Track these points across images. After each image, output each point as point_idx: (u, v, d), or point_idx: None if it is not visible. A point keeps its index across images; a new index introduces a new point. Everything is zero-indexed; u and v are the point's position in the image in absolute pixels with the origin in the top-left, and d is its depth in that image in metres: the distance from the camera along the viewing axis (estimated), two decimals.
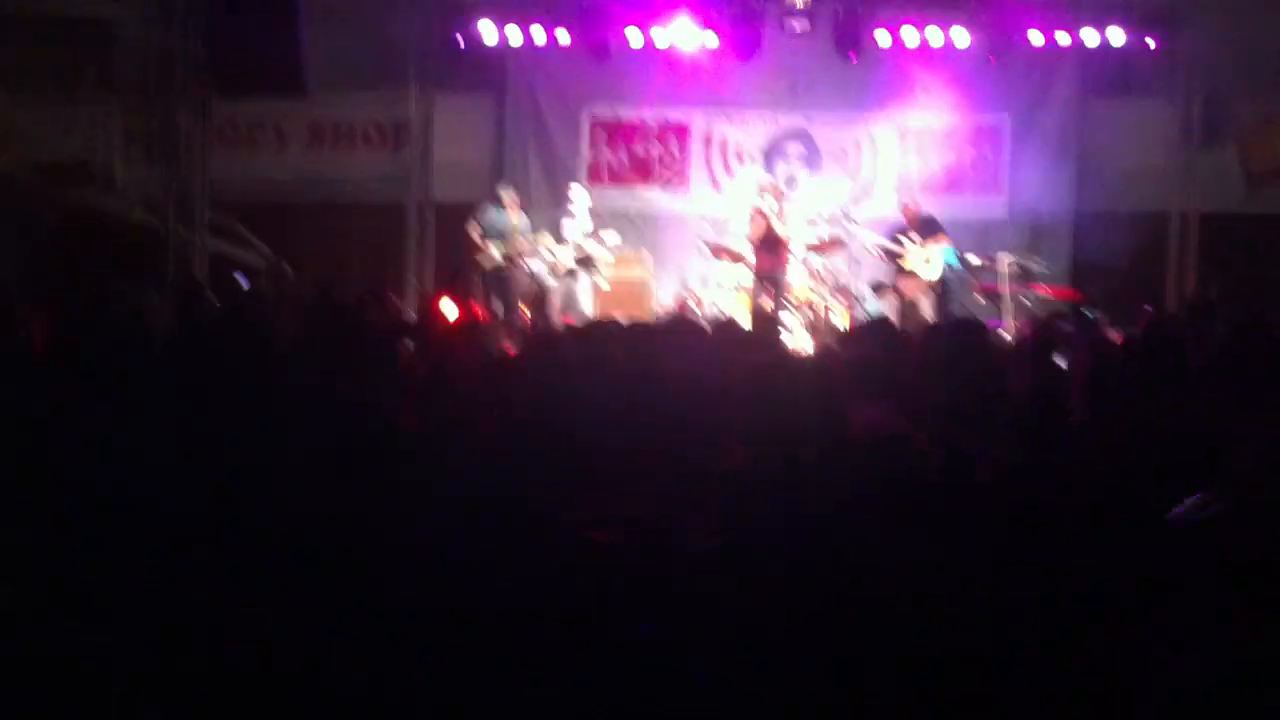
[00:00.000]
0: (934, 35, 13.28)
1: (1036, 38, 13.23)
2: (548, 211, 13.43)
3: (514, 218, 12.88)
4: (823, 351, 8.98)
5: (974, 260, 12.63)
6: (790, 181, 13.71)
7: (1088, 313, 11.42)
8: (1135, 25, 13.11)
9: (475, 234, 12.80)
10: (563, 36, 13.57)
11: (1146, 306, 10.94)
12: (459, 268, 12.79)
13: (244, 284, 11.19)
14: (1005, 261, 12.47)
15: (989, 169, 14.03)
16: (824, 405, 4.89)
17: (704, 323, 8.27)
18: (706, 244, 12.88)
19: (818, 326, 12.05)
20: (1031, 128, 13.80)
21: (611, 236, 12.84)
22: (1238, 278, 12.51)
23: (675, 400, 4.80)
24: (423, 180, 14.28)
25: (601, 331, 7.76)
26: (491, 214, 12.89)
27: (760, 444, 4.11)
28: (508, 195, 12.96)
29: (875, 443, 3.63)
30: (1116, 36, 13.10)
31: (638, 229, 13.83)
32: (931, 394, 5.32)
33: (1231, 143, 13.78)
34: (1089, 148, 13.66)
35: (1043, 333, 7.34)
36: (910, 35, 13.30)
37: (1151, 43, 13.11)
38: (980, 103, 13.79)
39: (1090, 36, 13.15)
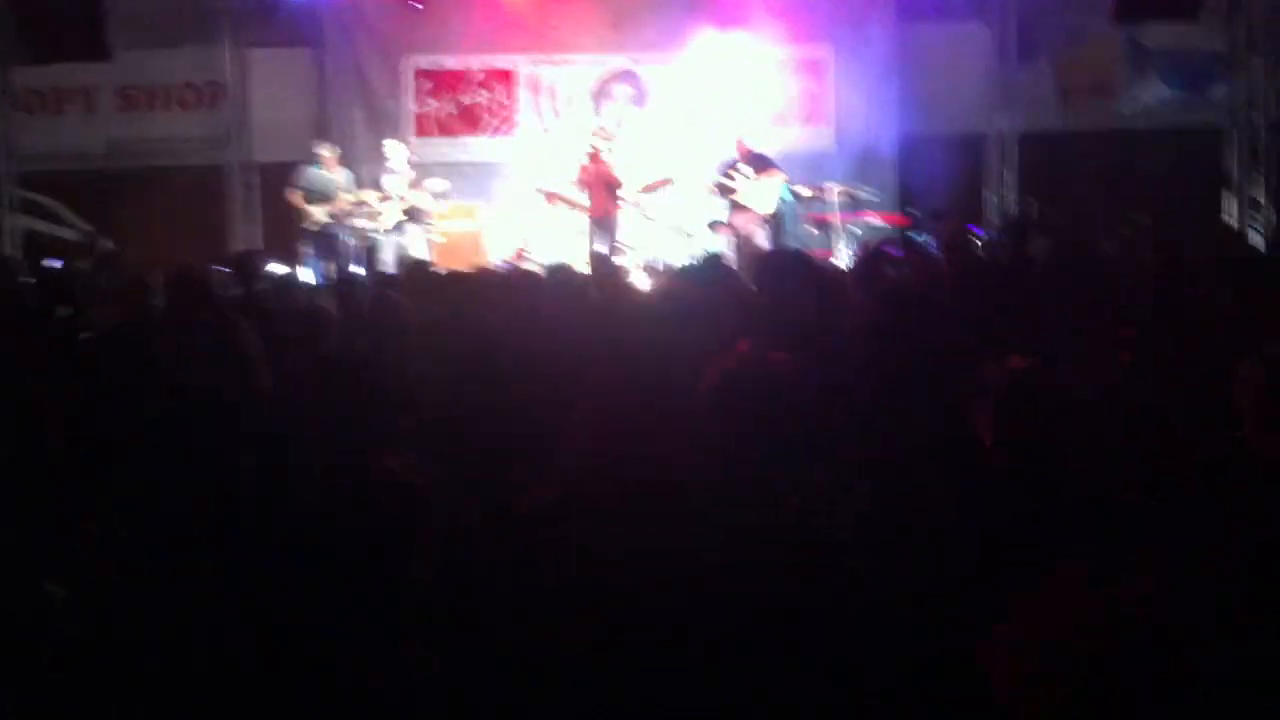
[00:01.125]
0: None
1: None
2: (372, 167, 13.13)
3: (335, 176, 12.56)
4: (660, 290, 8.99)
5: (805, 191, 12.77)
6: (619, 123, 13.64)
7: (915, 237, 11.67)
8: None
9: (296, 198, 12.46)
10: None
11: (970, 227, 11.22)
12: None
13: (54, 263, 10.72)
14: (834, 191, 12.63)
15: (815, 100, 14.14)
16: (661, 343, 4.91)
17: (540, 270, 8.23)
18: (539, 191, 12.78)
19: (654, 267, 12.05)
20: (854, 57, 13.93)
21: (437, 184, 12.63)
22: (1057, 194, 12.87)
23: (503, 349, 4.76)
24: (242, 141, 13.86)
25: (423, 282, 7.68)
26: (312, 174, 12.55)
27: (601, 387, 4.09)
28: (326, 152, 12.62)
29: (752, 372, 3.60)
30: None
31: (469, 179, 13.58)
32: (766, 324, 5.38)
33: (1046, 61, 14.12)
34: (910, 73, 13.84)
35: (870, 258, 7.47)
36: None
37: None
38: (804, 34, 13.87)
39: None
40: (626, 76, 14.00)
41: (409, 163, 12.85)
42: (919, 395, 3.95)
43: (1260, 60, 13.14)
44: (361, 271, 11.02)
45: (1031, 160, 13.86)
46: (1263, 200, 13.11)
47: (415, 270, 8.18)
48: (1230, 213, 13.29)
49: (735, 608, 2.54)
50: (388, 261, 12.25)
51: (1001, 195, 14.00)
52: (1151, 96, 13.90)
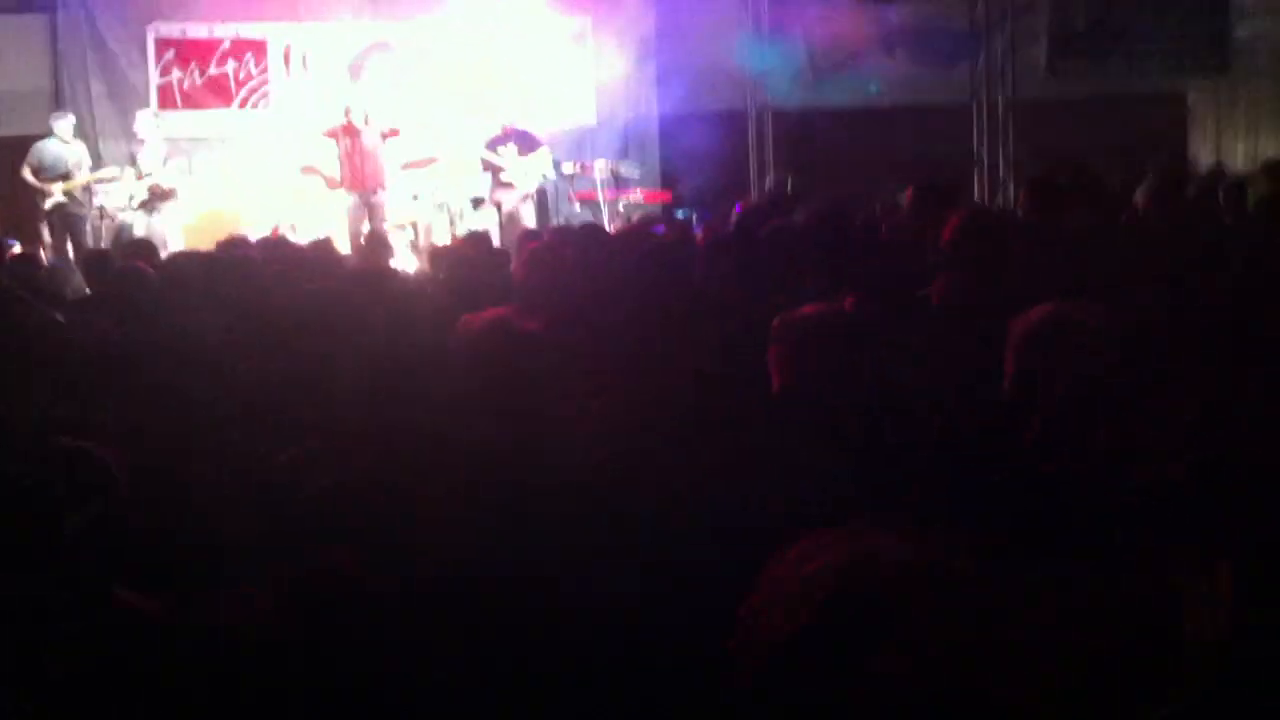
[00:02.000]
0: None
1: None
2: (118, 142, 12.43)
3: (73, 150, 11.83)
4: (424, 269, 8.84)
5: (569, 168, 12.74)
6: (377, 95, 13.26)
7: (679, 213, 11.80)
8: None
9: (29, 175, 11.67)
10: None
11: (738, 204, 11.37)
12: None
13: None
14: (598, 168, 12.64)
15: (574, 76, 14.06)
16: (430, 319, 4.85)
17: (301, 247, 7.96)
18: (298, 167, 12.31)
19: (419, 245, 11.84)
20: (612, 31, 13.90)
21: (178, 165, 12.02)
22: (811, 169, 13.18)
23: (268, 326, 4.63)
24: None
25: (178, 263, 7.36)
26: (47, 149, 11.78)
27: (364, 361, 4.05)
28: (61, 126, 11.87)
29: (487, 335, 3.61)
30: None
31: (220, 154, 13.00)
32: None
33: (799, 36, 14.41)
34: (668, 50, 13.91)
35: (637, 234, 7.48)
36: None
37: None
38: (560, 6, 13.77)
39: None
40: (382, 47, 13.61)
41: (163, 139, 12.22)
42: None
43: (1002, 37, 13.74)
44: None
45: (785, 136, 14.13)
46: (1004, 174, 13.72)
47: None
48: (979, 187, 13.86)
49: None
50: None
51: (761, 170, 14.25)
52: (899, 73, 14.37)
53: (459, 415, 3.30)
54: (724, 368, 3.69)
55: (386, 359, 4.05)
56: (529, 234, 8.28)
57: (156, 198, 11.86)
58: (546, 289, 5.18)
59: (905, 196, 8.60)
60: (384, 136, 12.07)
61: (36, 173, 11.64)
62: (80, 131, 12.17)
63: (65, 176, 11.67)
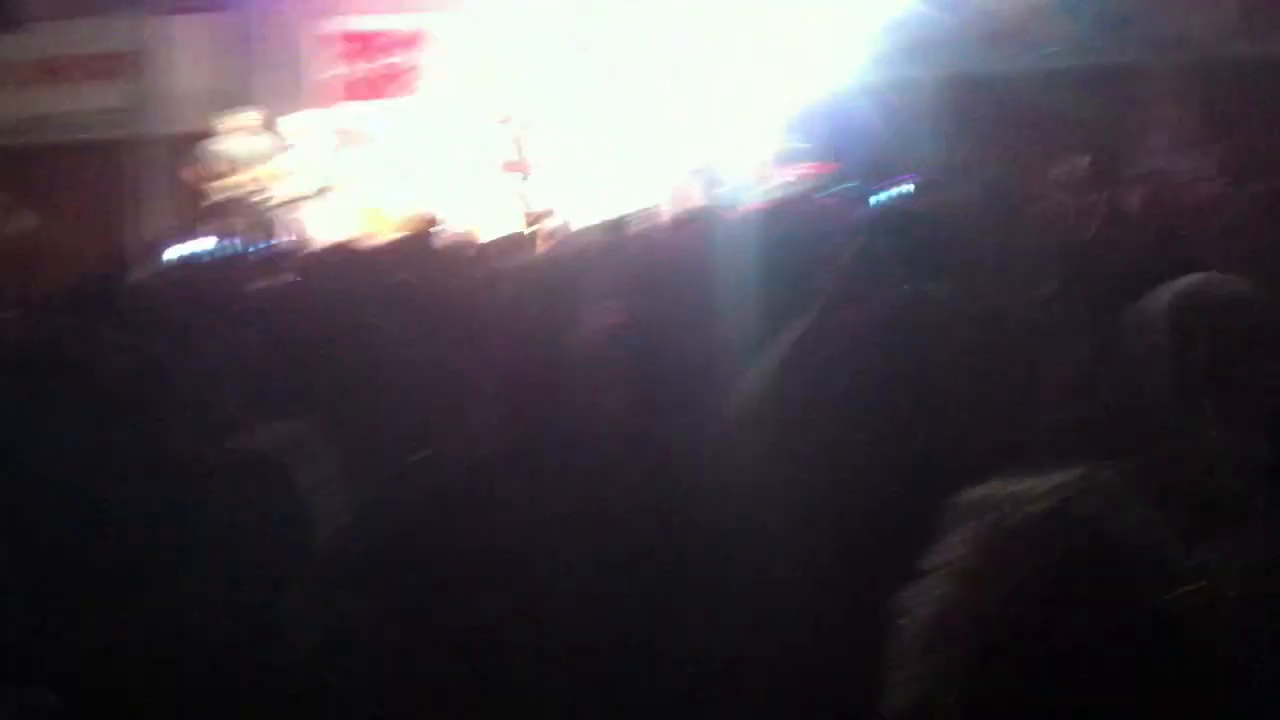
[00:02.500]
0: None
1: None
2: (285, 137, 12.85)
3: (251, 144, 12.30)
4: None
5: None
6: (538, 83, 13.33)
7: (849, 186, 11.55)
8: None
9: (205, 169, 12.20)
10: None
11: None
12: None
13: None
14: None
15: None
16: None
17: (453, 239, 8.11)
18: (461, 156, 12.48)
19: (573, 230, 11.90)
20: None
21: (341, 158, 12.37)
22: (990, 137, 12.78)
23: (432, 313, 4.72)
24: (156, 111, 13.50)
25: (341, 254, 7.58)
26: (226, 142, 12.28)
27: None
28: (241, 121, 12.34)
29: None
30: None
31: (381, 146, 13.32)
32: None
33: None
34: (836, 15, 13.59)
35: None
36: None
37: None
38: None
39: None
40: (547, 34, 13.65)
41: (332, 132, 12.62)
42: None
43: None
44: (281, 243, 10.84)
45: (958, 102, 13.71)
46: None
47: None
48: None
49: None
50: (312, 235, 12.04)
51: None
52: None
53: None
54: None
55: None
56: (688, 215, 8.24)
57: (319, 192, 12.25)
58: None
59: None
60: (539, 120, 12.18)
61: (212, 167, 12.16)
62: (259, 125, 12.60)
63: (242, 170, 12.15)
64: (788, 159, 12.63)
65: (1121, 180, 7.69)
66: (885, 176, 11.85)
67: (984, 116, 13.43)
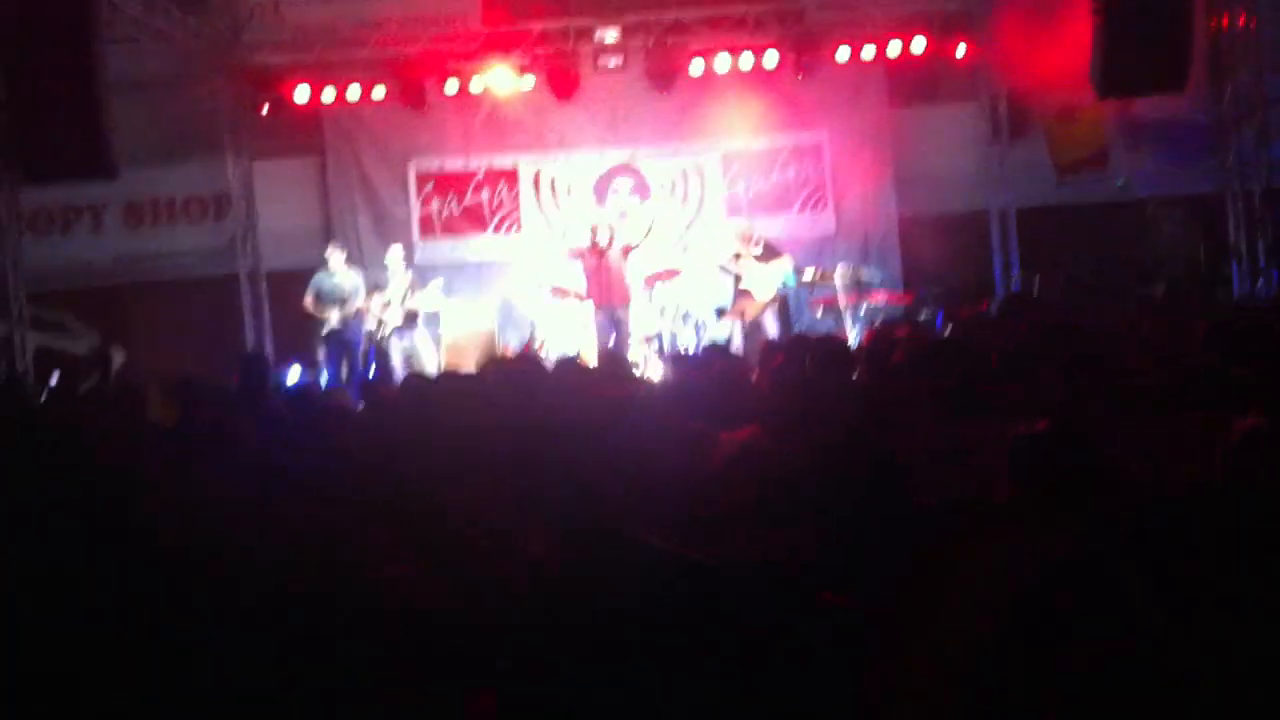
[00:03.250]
0: (745, 59, 13.52)
1: (843, 53, 13.56)
2: (383, 271, 13.26)
3: (346, 279, 12.69)
4: (667, 380, 9.04)
5: (809, 275, 12.87)
6: (623, 215, 13.79)
7: (923, 315, 11.76)
8: (936, 33, 13.53)
9: (309, 301, 12.61)
10: (378, 92, 13.52)
11: (975, 305, 11.33)
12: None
13: (54, 378, 10.83)
14: (839, 273, 12.73)
15: (813, 184, 14.27)
16: (670, 429, 4.96)
17: (548, 364, 8.27)
18: (546, 287, 12.87)
19: (667, 355, 12.13)
20: (848, 140, 14.10)
21: (435, 287, 12.71)
22: (1055, 267, 12.98)
23: (512, 443, 4.80)
24: (249, 250, 14.03)
25: (423, 386, 7.73)
26: (324, 278, 12.70)
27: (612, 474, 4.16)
28: (335, 257, 12.77)
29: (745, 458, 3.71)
30: (919, 45, 13.49)
31: (476, 278, 13.79)
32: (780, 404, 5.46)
33: (1038, 137, 14.31)
34: (905, 155, 14.00)
35: (877, 337, 7.54)
36: (722, 61, 13.53)
37: (962, 47, 13.53)
38: (798, 121, 14.07)
39: (894, 47, 13.51)
40: (627, 169, 14.19)
41: (410, 265, 13.01)
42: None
43: (1250, 130, 13.28)
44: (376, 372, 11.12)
45: (1030, 235, 13.97)
46: (1263, 263, 13.16)
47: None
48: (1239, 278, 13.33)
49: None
50: (396, 363, 12.36)
51: (1005, 269, 14.08)
52: (1145, 168, 14.07)
53: (713, 532, 3.38)
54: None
55: (630, 477, 4.15)
56: (772, 345, 8.41)
57: (409, 321, 12.60)
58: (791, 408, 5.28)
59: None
60: (625, 252, 12.51)
61: (315, 301, 12.55)
62: (351, 262, 13.02)
63: (340, 303, 12.53)
64: (861, 289, 12.85)
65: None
66: (955, 304, 12.14)
67: (1054, 246, 13.60)
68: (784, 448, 3.94)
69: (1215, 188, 13.49)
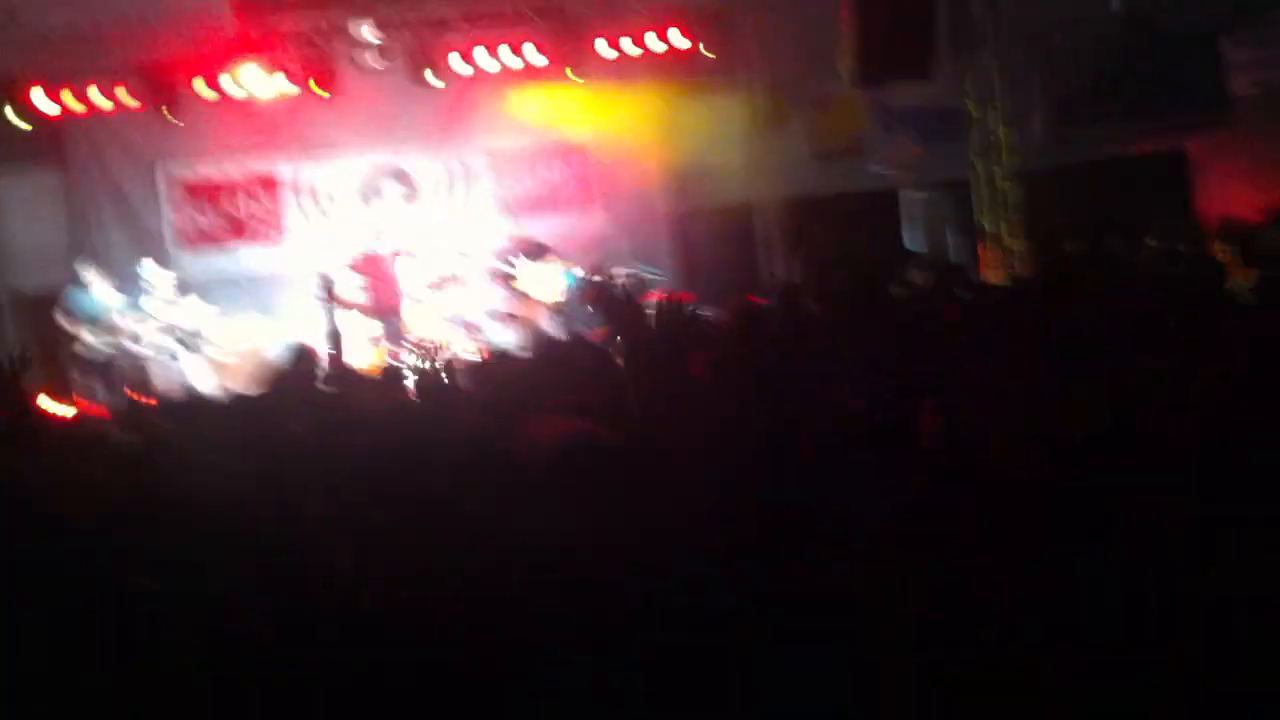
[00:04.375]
0: (504, 54, 13.38)
1: (603, 46, 13.57)
2: (135, 286, 12.58)
3: (102, 297, 12.02)
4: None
5: (590, 276, 12.85)
6: (392, 218, 13.46)
7: (701, 312, 11.85)
8: (694, 27, 13.69)
9: (64, 321, 11.88)
10: (124, 96, 12.79)
11: (747, 295, 11.49)
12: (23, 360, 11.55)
13: None
14: (619, 274, 12.75)
15: (581, 183, 14.24)
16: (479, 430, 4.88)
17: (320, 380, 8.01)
18: (320, 297, 12.46)
19: (449, 362, 11.92)
20: (614, 136, 14.01)
21: (192, 303, 12.19)
22: (822, 253, 13.30)
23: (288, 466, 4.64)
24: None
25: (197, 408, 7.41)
26: (78, 296, 11.99)
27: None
28: (89, 274, 12.07)
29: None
30: (679, 39, 13.61)
31: (246, 293, 13.14)
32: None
33: (798, 125, 14.63)
34: (672, 150, 14.02)
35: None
36: (483, 57, 13.35)
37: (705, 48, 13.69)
38: (563, 117, 13.98)
39: (653, 41, 13.60)
40: (394, 172, 13.84)
41: (172, 282, 12.41)
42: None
43: (994, 113, 13.87)
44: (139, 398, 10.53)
45: (795, 224, 14.25)
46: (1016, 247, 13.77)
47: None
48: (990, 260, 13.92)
49: None
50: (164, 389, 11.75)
51: (769, 259, 14.34)
52: (901, 153, 14.56)
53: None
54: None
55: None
56: (551, 343, 8.33)
57: (178, 341, 12.04)
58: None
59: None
60: (394, 256, 12.26)
61: (68, 320, 11.84)
62: (105, 278, 12.30)
63: (99, 323, 11.85)
64: (644, 288, 12.91)
65: None
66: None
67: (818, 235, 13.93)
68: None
69: (963, 172, 14.05)
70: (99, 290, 12.05)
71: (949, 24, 13.33)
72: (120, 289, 12.33)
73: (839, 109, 14.61)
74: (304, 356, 7.54)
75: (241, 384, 9.30)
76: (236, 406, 7.20)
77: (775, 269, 14.19)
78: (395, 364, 11.05)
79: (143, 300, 12.16)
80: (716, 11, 13.78)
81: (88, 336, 11.82)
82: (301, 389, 7.06)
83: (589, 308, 11.97)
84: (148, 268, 12.29)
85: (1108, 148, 14.19)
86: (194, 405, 7.73)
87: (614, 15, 13.56)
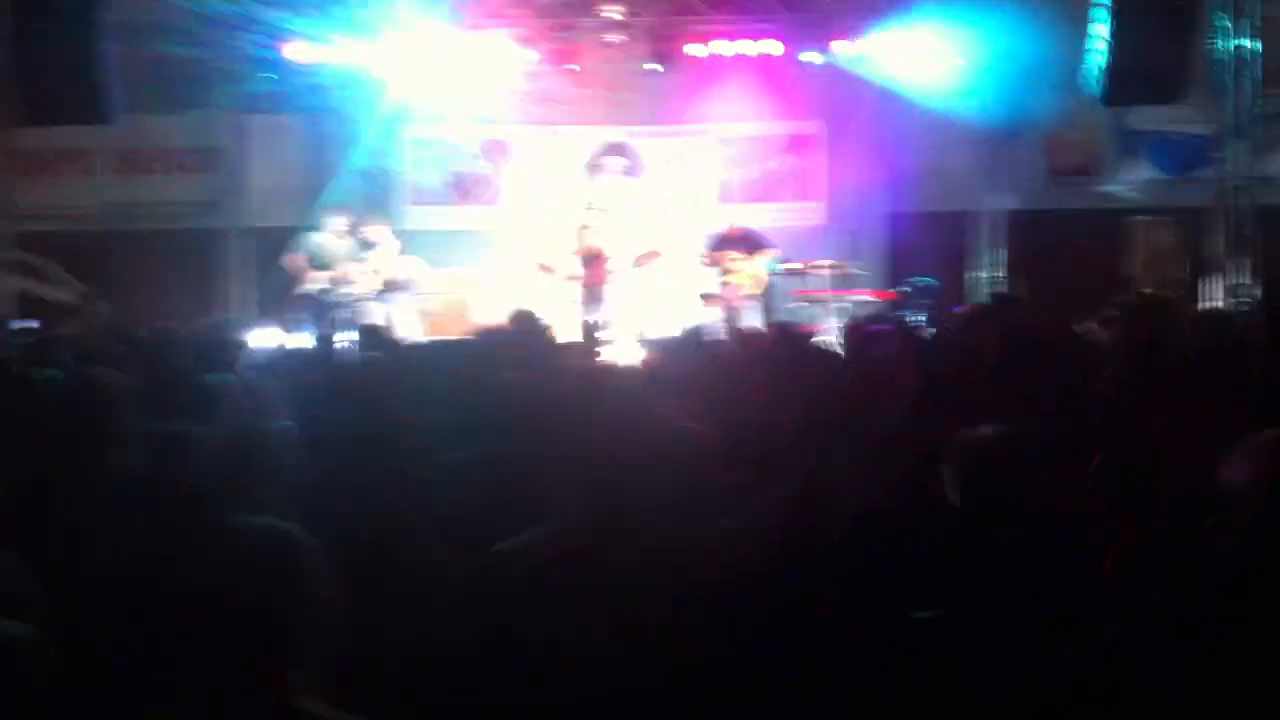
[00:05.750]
0: (746, 45, 13.49)
1: (840, 45, 13.53)
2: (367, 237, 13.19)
3: (339, 244, 12.65)
4: (644, 362, 9.04)
5: (794, 266, 12.88)
6: (613, 194, 13.77)
7: (904, 313, 11.75)
8: (935, 31, 13.49)
9: (299, 261, 12.56)
10: (376, 56, 13.42)
11: (953, 308, 11.34)
12: None
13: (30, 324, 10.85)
14: (824, 267, 12.74)
15: (806, 175, 14.28)
16: (635, 410, 4.97)
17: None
18: (532, 261, 12.87)
19: (646, 339, 12.13)
20: (845, 133, 14.07)
21: (414, 258, 12.70)
22: (1043, 272, 12.97)
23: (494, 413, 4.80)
24: (237, 205, 13.94)
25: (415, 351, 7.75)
26: (317, 240, 12.66)
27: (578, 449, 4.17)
28: (334, 221, 12.72)
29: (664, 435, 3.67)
30: (920, 40, 13.43)
31: (464, 248, 13.73)
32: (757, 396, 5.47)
33: (1034, 140, 14.30)
34: (900, 151, 13.96)
35: (857, 335, 7.55)
36: (723, 46, 13.49)
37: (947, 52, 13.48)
38: (795, 110, 14.04)
39: (895, 41, 13.46)
40: (620, 149, 14.14)
41: (394, 234, 12.98)
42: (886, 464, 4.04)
43: (1246, 143, 13.27)
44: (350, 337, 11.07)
45: (1019, 239, 13.95)
46: (1248, 281, 13.15)
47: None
48: (1216, 295, 13.34)
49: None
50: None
51: (992, 274, 14.07)
52: (1139, 177, 14.11)
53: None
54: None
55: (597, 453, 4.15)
56: (749, 334, 8.39)
57: (389, 289, 12.57)
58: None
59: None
60: (639, 261, 12.55)
61: (304, 262, 12.51)
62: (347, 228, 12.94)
63: (327, 267, 12.49)
64: (847, 283, 12.86)
65: None
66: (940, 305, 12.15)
67: (1040, 251, 13.59)
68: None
69: (1205, 202, 13.49)
70: (340, 238, 12.65)
71: (1204, 52, 12.82)
72: (350, 236, 12.94)
73: (1080, 126, 14.23)
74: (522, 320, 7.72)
75: (444, 333, 9.70)
76: (442, 349, 7.52)
77: (994, 281, 13.90)
78: (595, 333, 11.31)
79: (368, 253, 12.73)
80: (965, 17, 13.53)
81: (319, 278, 12.45)
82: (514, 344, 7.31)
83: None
84: (374, 223, 12.84)
85: None
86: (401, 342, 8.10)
87: (862, 10, 13.45)
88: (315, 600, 2.31)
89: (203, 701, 2.25)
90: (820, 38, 13.51)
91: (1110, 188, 14.20)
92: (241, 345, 8.21)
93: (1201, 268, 13.18)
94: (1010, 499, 3.31)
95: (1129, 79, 11.84)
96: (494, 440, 4.43)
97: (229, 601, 2.27)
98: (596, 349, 9.08)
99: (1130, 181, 14.15)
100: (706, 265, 12.92)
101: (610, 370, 7.14)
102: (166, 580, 2.60)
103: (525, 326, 7.50)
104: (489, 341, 7.14)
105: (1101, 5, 11.60)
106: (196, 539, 2.52)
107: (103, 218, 13.94)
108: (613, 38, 13.54)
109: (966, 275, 14.12)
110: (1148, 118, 13.71)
